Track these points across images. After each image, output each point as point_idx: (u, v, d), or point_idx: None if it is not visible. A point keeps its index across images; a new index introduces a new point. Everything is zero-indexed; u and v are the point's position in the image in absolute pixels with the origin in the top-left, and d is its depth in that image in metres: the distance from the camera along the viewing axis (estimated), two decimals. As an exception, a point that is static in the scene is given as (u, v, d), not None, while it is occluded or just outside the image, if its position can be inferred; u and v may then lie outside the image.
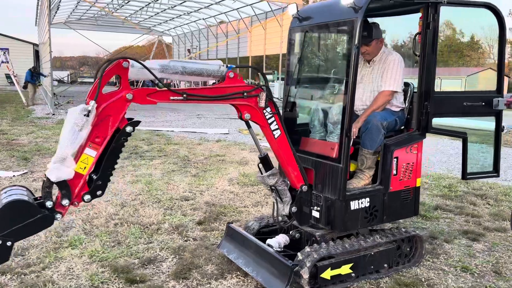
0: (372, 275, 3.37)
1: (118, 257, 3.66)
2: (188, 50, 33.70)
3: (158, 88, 2.71)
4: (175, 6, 26.26)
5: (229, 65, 2.95)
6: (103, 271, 3.42)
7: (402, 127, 3.64)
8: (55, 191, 2.49)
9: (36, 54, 35.77)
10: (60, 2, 24.69)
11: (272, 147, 3.19)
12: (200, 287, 3.22)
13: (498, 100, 3.53)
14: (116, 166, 2.65)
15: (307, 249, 3.14)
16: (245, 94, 2.97)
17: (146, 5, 26.75)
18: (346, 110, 3.06)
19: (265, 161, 3.23)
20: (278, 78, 25.55)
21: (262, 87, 3.02)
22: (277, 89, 22.97)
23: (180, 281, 3.29)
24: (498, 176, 3.83)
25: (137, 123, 2.67)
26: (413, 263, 3.59)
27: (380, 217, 3.39)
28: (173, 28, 34.98)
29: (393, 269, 3.47)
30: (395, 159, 3.38)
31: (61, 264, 3.53)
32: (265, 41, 26.55)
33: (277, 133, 3.15)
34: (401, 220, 4.57)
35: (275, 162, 3.29)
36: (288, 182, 3.32)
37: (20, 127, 11.29)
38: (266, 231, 3.72)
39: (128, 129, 2.62)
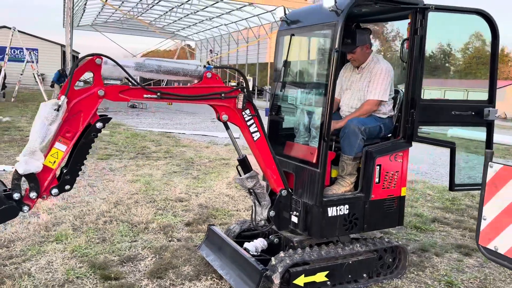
0: (350, 284, 3.29)
1: (99, 254, 3.69)
2: (211, 50, 34.05)
3: (131, 86, 2.73)
4: (197, 11, 26.63)
5: (207, 65, 2.95)
6: (81, 266, 3.46)
7: (389, 135, 3.56)
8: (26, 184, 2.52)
9: (64, 55, 36.77)
10: (85, 5, 25.34)
11: (252, 149, 3.16)
12: (173, 287, 3.20)
13: (489, 110, 3.41)
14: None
15: (281, 254, 3.10)
16: (222, 95, 2.96)
17: (169, 10, 27.20)
18: (325, 114, 3.01)
19: (243, 164, 3.19)
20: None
21: (241, 88, 3.00)
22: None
23: (154, 281, 3.28)
24: None
25: (108, 119, 2.69)
26: (396, 274, 3.49)
27: (360, 226, 3.32)
28: (196, 33, 35.42)
29: (373, 280, 3.38)
30: (378, 167, 3.31)
31: (42, 257, 3.58)
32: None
33: (256, 136, 3.12)
34: (392, 231, 4.49)
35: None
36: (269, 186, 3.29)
37: (38, 125, 11.60)
38: (248, 235, 3.68)
39: (98, 125, 2.64)
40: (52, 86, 19.38)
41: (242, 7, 24.29)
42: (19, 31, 21.34)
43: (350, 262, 3.25)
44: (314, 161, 3.12)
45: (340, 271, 3.22)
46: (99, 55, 2.61)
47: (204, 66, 2.94)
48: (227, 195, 5.67)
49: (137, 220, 4.53)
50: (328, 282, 3.17)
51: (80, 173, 2.73)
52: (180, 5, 25.43)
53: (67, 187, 2.64)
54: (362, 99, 3.48)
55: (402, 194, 3.47)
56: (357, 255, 3.29)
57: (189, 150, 8.98)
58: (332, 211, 3.17)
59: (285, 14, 3.51)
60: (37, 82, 24.98)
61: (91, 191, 5.55)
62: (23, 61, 23.02)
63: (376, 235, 3.86)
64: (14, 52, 29.64)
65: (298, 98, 3.68)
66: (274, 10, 23.40)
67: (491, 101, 3.49)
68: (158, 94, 2.78)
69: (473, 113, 3.44)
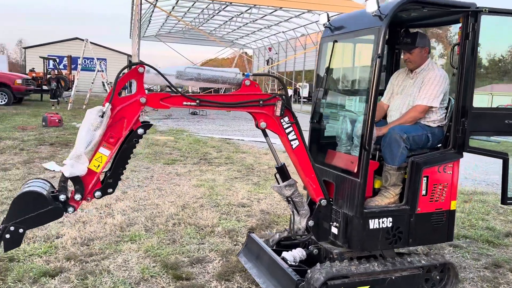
0: (395, 300, 3.14)
1: (170, 254, 3.89)
2: (270, 48, 34.28)
3: (171, 94, 2.80)
4: (256, 20, 26.93)
5: (246, 73, 2.97)
6: (154, 266, 3.66)
7: (439, 145, 3.38)
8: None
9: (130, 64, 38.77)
10: (151, 17, 26.54)
11: (290, 157, 3.13)
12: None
13: (548, 120, 3.15)
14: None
15: (318, 266, 3.02)
16: (261, 102, 2.95)
17: (229, 19, 27.76)
18: (367, 122, 2.92)
19: (282, 172, 3.16)
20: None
21: (280, 95, 2.99)
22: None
23: (222, 283, 3.41)
24: None
25: (149, 126, 2.77)
26: (446, 291, 3.29)
27: (405, 240, 3.17)
28: (254, 41, 35.82)
29: (420, 296, 3.20)
30: (425, 178, 3.14)
31: (119, 256, 3.83)
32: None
33: (295, 144, 3.08)
34: (463, 244, 4.29)
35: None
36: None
37: (101, 129, 12.32)
38: (287, 244, 3.63)
39: (140, 131, 2.73)
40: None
41: (300, 14, 24.25)
42: (90, 42, 22.82)
43: (393, 277, 3.10)
44: (354, 170, 3.02)
45: (382, 286, 3.08)
46: (141, 64, 2.71)
47: (243, 74, 2.96)
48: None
49: (203, 224, 4.74)
50: (369, 297, 3.05)
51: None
52: (239, 14, 25.91)
53: (110, 190, 2.75)
54: (412, 105, 3.34)
55: (451, 208, 3.27)
56: (400, 270, 3.13)
57: (249, 156, 9.11)
58: (373, 224, 3.05)
59: (328, 20, 3.45)
60: (106, 90, 26.54)
61: (160, 194, 5.83)
62: (93, 71, 24.58)
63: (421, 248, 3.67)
64: (85, 62, 31.74)
65: (340, 105, 3.60)
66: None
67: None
68: (197, 101, 2.83)
69: (529, 122, 3.19)
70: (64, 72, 26.69)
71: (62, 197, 2.61)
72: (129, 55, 39.39)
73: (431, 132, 3.30)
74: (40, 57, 25.47)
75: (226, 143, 10.91)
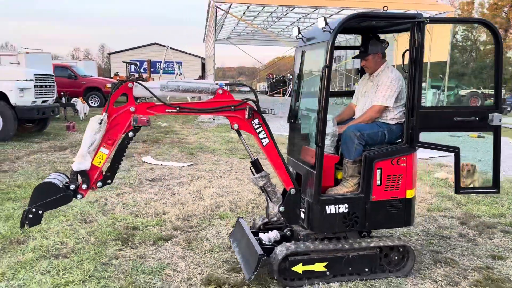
0: (353, 276, 3.61)
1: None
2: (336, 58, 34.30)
3: (155, 103, 3.47)
4: (331, 15, 26.75)
5: (219, 83, 3.57)
6: None
7: (399, 140, 3.76)
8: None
9: (203, 67, 40.61)
10: (223, 22, 27.43)
11: (264, 153, 3.70)
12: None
13: (493, 116, 3.43)
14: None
15: (284, 244, 3.57)
16: (232, 107, 3.55)
17: (296, 20, 27.82)
18: (319, 121, 3.41)
19: (255, 165, 3.74)
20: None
21: (248, 101, 3.56)
22: (429, 97, 21.72)
23: None
24: (498, 192, 3.68)
25: (138, 129, 3.47)
26: (403, 272, 3.69)
27: (361, 224, 3.61)
28: None
29: (377, 275, 3.64)
30: (379, 170, 3.57)
31: (213, 228, 4.78)
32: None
33: (265, 141, 3.65)
34: None
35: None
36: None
37: (188, 129, 13.55)
38: (270, 227, 4.19)
39: (130, 134, 3.44)
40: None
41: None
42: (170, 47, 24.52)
43: (350, 256, 3.57)
44: (312, 163, 3.53)
45: (340, 264, 3.56)
46: (130, 81, 3.41)
47: (217, 84, 3.56)
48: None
49: None
50: (327, 273, 3.55)
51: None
52: (307, 15, 25.98)
53: (108, 181, 3.49)
54: (370, 104, 3.77)
55: (408, 196, 3.66)
56: (357, 250, 3.59)
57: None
58: (330, 209, 3.54)
59: (299, 33, 3.95)
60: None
61: (239, 183, 6.72)
62: (172, 73, 26.26)
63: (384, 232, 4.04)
64: (165, 65, 33.93)
65: (310, 107, 4.09)
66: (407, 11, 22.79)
67: (497, 106, 3.49)
68: (177, 108, 3.49)
69: (477, 118, 3.49)
70: (144, 75, 28.91)
71: (72, 187, 3.38)
72: (202, 58, 41.12)
73: (388, 129, 3.71)
74: (123, 62, 27.63)
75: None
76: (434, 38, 16.23)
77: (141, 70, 30.72)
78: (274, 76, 40.65)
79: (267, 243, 3.84)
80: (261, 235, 3.89)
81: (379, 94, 3.70)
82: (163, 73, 23.00)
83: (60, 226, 4.63)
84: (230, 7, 19.26)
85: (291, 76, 36.91)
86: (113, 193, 5.96)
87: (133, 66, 28.05)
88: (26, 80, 10.05)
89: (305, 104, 3.97)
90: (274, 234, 3.91)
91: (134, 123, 3.42)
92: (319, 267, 3.54)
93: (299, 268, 3.50)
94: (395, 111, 3.73)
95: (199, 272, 3.72)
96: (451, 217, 5.32)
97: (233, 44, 34.80)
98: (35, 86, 10.26)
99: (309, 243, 3.57)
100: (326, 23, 3.34)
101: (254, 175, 3.76)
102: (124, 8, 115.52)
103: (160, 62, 27.67)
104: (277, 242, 3.89)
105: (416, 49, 3.42)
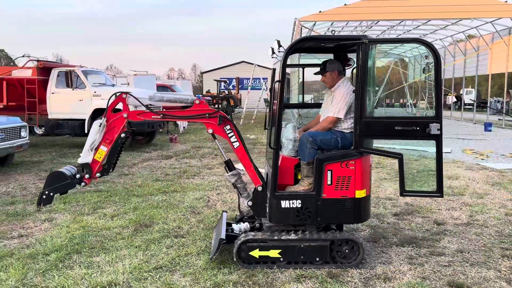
0: (306, 264, 4.12)
1: None
2: (426, 56, 33.67)
3: (143, 110, 4.28)
4: (410, 30, 26.72)
5: (197, 95, 4.32)
6: None
7: (352, 147, 4.24)
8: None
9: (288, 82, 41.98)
10: (309, 33, 28.01)
11: (235, 154, 4.36)
12: (381, 253, 4.57)
13: (431, 126, 3.82)
14: None
15: (246, 232, 4.18)
16: (207, 115, 4.27)
17: (381, 33, 27.73)
18: (274, 130, 4.02)
19: (228, 165, 4.42)
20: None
21: (221, 110, 4.27)
22: None
23: (369, 244, 4.76)
24: (442, 196, 4.00)
25: (129, 132, 4.30)
26: (355, 264, 4.13)
27: (314, 218, 4.11)
28: (409, 49, 34.56)
29: (330, 265, 4.11)
30: (330, 172, 4.07)
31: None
32: (508, 58, 24.47)
33: (236, 144, 4.32)
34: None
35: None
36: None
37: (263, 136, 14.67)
38: (247, 220, 4.81)
39: (122, 135, 4.27)
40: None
41: (458, 21, 23.48)
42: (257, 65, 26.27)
43: (302, 246, 4.09)
44: (271, 164, 4.13)
45: (292, 252, 4.10)
46: (124, 92, 4.26)
47: (195, 95, 4.31)
48: (432, 198, 6.57)
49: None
50: (281, 259, 4.10)
51: None
52: (392, 27, 25.89)
53: (105, 173, 4.34)
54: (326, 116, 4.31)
55: (357, 196, 4.11)
56: (309, 241, 4.11)
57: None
58: (284, 203, 4.09)
59: (273, 53, 4.59)
60: (266, 105, 29.74)
61: None
62: (259, 89, 27.81)
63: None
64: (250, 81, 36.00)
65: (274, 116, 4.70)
66: (495, 21, 22.42)
67: (438, 117, 3.86)
68: (161, 115, 4.28)
69: (417, 128, 3.89)
70: (233, 92, 30.78)
71: (77, 176, 4.28)
72: (287, 74, 42.35)
73: (341, 136, 4.20)
74: (214, 80, 29.61)
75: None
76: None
77: (230, 87, 32.78)
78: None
79: (237, 232, 4.46)
80: (234, 225, 4.53)
81: (332, 107, 4.23)
82: (251, 89, 24.63)
83: (176, 216, 5.80)
84: (314, 24, 19.97)
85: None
86: (214, 192, 7.17)
87: (223, 83, 30.16)
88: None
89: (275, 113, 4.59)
90: (245, 225, 4.53)
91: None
92: (274, 253, 4.10)
93: (256, 253, 4.10)
94: (348, 121, 4.23)
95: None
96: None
97: (317, 59, 35.47)
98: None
99: (272, 233, 4.14)
100: (273, 52, 3.98)
101: (227, 173, 4.43)
102: (212, 28, 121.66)
103: (248, 79, 29.44)
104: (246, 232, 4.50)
105: (360, 66, 3.93)
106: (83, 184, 4.34)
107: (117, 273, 3.96)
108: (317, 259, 4.12)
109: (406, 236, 5.04)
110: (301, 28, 18.42)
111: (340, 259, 4.16)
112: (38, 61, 12.61)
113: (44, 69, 12.49)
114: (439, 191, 3.99)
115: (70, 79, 12.00)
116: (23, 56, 14.12)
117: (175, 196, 6.89)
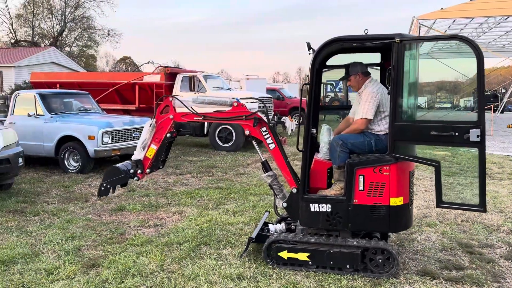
0: (334, 270, 4.03)
1: (463, 239, 5.01)
2: None
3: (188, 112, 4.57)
4: None
5: (235, 98, 4.48)
6: (451, 243, 4.89)
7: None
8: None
9: None
10: (428, 31, 26.61)
11: (271, 155, 4.44)
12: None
13: (470, 131, 3.44)
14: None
15: (277, 234, 4.24)
16: (244, 117, 4.41)
17: (511, 30, 25.42)
18: (305, 131, 4.00)
19: (264, 165, 4.51)
20: None
21: (258, 113, 4.37)
22: None
23: (509, 262, 4.38)
24: (485, 211, 3.55)
25: (176, 132, 4.62)
26: (387, 274, 3.93)
27: (344, 224, 4.00)
28: None
29: (360, 273, 3.97)
30: (361, 177, 3.92)
31: (423, 234, 5.18)
32: None
33: (271, 146, 4.39)
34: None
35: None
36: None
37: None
38: (288, 221, 4.84)
39: (168, 135, 4.61)
40: None
41: None
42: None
43: (332, 251, 4.01)
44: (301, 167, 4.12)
45: (322, 257, 4.04)
46: (171, 96, 4.60)
47: (233, 98, 4.48)
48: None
49: (488, 223, 5.63)
50: (310, 263, 4.07)
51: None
52: None
53: (154, 169, 4.74)
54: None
55: (392, 204, 3.90)
56: (339, 247, 4.01)
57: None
58: (314, 207, 4.05)
59: (309, 48, 4.50)
60: None
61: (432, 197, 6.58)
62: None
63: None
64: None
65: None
66: None
67: (480, 122, 3.45)
68: (202, 117, 4.53)
69: (456, 133, 3.53)
70: (339, 94, 31.14)
71: (131, 171, 4.74)
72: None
73: (375, 139, 4.01)
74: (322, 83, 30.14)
75: (508, 159, 10.93)
76: None
77: (336, 89, 32.85)
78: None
79: (272, 232, 4.53)
80: (270, 226, 4.60)
81: (360, 109, 4.05)
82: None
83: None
84: (434, 22, 18.93)
85: (504, 90, 33.49)
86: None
87: (329, 86, 30.32)
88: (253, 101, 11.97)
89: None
90: (280, 226, 4.57)
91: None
92: (302, 256, 4.09)
93: (284, 254, 4.13)
94: (382, 122, 4.02)
95: (414, 265, 4.27)
96: None
97: (434, 59, 33.46)
98: (258, 106, 11.97)
99: (303, 236, 4.13)
100: (310, 48, 3.94)
101: (264, 173, 4.52)
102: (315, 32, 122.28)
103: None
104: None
105: (394, 67, 3.71)
106: (136, 178, 4.79)
107: (244, 267, 4.16)
108: (347, 266, 4.00)
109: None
110: (419, 26, 17.27)
111: (372, 267, 3.98)
112: (165, 67, 13.89)
113: (170, 74, 13.63)
114: (482, 205, 3.59)
115: (192, 83, 13.04)
116: (147, 63, 15.78)
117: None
